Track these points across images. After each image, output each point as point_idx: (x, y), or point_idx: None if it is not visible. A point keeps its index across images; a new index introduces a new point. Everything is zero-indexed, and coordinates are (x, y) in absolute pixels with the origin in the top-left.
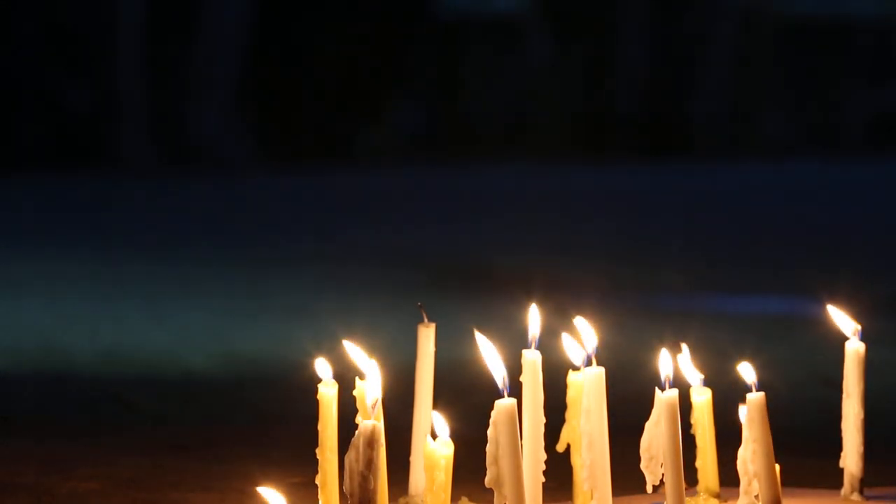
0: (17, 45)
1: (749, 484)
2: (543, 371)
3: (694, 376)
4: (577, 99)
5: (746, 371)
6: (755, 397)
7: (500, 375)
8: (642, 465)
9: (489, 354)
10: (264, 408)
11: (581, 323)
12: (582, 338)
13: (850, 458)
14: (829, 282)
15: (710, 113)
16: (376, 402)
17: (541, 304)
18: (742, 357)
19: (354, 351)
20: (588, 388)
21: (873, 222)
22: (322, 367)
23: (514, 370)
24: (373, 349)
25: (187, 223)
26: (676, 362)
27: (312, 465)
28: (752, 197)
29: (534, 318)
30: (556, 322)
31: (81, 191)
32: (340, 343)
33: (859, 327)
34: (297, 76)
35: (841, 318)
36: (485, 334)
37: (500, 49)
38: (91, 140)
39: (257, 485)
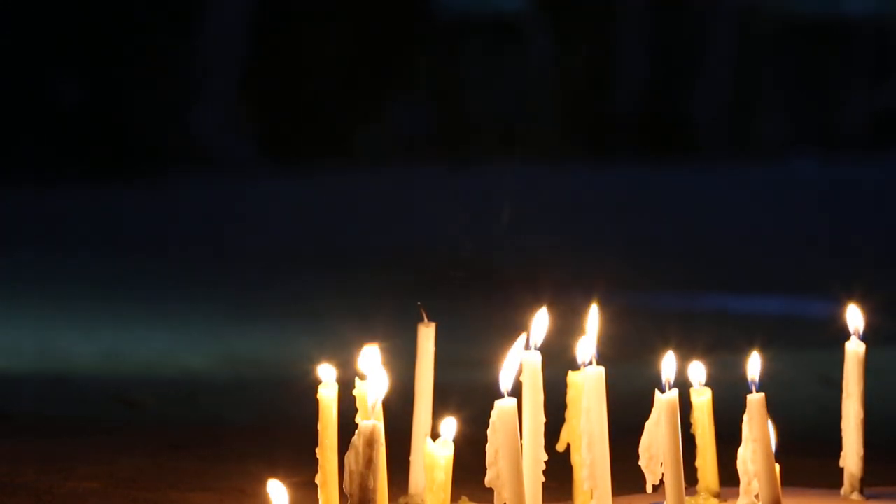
0: (17, 45)
1: (749, 483)
2: (543, 370)
3: (695, 376)
4: (577, 99)
5: (747, 370)
6: (755, 397)
7: (506, 383)
8: (642, 465)
9: (511, 364)
10: (264, 407)
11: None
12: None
13: (850, 458)
14: (830, 281)
15: (710, 113)
16: (376, 402)
17: (539, 303)
18: (743, 357)
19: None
20: (588, 388)
21: (873, 222)
22: (324, 368)
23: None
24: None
25: (187, 223)
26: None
27: (312, 464)
28: (751, 197)
29: (534, 318)
30: (556, 321)
31: (81, 191)
32: (343, 344)
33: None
34: (297, 76)
35: (852, 317)
36: (482, 334)
37: (500, 49)
38: (91, 140)
39: (257, 484)
